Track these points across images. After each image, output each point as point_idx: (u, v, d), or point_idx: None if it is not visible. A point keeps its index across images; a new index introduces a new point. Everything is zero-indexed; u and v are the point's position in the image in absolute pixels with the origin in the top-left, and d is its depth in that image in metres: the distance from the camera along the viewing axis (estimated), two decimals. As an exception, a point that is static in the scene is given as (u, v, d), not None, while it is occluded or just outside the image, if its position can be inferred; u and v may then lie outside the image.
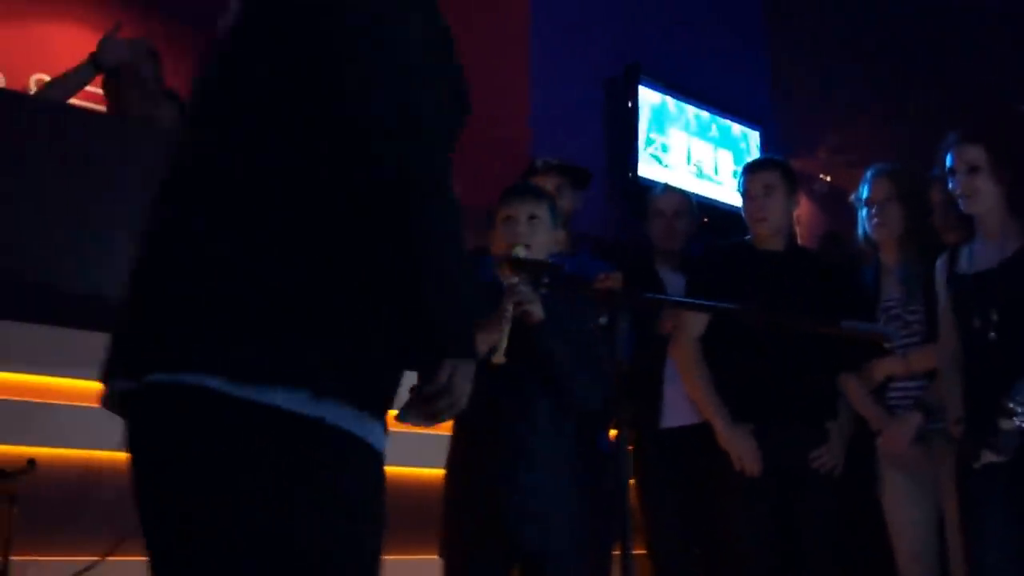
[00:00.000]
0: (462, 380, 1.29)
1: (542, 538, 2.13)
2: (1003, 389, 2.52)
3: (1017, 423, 2.43)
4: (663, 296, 3.22)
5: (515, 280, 2.07)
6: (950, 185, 2.77)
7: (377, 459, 1.29)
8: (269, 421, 1.15)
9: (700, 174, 4.55)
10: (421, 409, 1.31)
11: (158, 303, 1.23)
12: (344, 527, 1.20)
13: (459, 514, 2.20)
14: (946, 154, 2.78)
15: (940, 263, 2.84)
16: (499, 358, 1.99)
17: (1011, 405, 2.45)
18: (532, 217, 2.27)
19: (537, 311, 2.11)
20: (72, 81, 3.29)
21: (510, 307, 2.04)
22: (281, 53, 1.25)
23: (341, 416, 1.20)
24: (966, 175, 2.72)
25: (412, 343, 1.27)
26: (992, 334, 2.56)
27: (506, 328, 2.02)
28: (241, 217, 1.22)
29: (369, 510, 1.26)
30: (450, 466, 2.27)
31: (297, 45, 1.23)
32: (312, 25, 1.22)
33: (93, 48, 3.32)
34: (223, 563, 1.14)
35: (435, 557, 2.22)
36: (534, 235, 2.24)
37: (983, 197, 2.72)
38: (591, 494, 2.40)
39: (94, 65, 3.27)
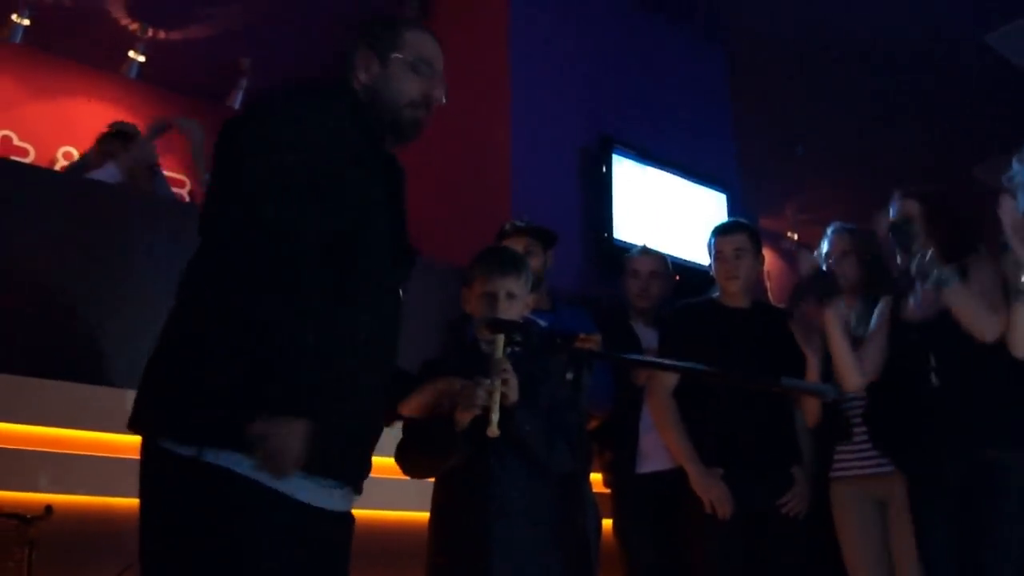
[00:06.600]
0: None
1: None
2: (946, 428, 2.59)
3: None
4: (631, 356, 3.18)
5: (500, 356, 2.03)
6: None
7: (290, 506, 1.48)
8: (176, 464, 1.45)
9: (668, 234, 4.57)
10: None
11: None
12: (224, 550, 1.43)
13: (443, 561, 2.16)
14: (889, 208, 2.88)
15: (882, 306, 2.89)
16: (493, 431, 1.97)
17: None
18: (510, 295, 2.25)
19: (512, 393, 2.06)
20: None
21: (498, 382, 2.01)
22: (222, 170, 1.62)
23: (235, 462, 1.43)
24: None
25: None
26: (934, 378, 2.61)
27: (496, 400, 1.99)
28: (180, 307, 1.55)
29: (255, 543, 1.44)
30: (435, 514, 2.24)
31: (227, 164, 1.60)
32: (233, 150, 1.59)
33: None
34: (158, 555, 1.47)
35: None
36: (509, 312, 2.22)
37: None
38: (571, 539, 2.37)
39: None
